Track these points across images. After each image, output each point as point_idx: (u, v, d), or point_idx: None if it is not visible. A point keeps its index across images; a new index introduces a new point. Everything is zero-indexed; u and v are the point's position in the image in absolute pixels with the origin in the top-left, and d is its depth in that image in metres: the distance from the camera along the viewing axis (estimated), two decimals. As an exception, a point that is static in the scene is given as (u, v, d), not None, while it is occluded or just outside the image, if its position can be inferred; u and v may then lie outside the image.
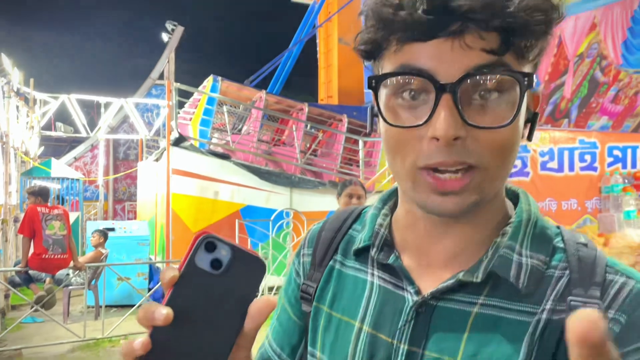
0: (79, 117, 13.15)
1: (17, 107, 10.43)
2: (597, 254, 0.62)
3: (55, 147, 17.50)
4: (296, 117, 11.69)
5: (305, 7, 15.50)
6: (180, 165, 8.83)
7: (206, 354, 0.47)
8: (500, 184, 0.63)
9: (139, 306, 6.93)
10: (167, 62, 14.92)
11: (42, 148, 13.64)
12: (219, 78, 11.38)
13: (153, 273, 8.66)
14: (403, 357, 0.63)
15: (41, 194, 6.56)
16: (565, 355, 0.50)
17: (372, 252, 0.71)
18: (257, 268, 0.49)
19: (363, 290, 0.71)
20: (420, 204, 0.61)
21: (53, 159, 11.62)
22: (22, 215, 7.27)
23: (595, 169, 4.28)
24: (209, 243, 0.48)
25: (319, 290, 0.76)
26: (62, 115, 13.64)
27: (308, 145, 11.87)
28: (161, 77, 16.15)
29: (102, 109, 13.34)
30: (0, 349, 5.71)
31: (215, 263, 0.47)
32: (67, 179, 11.27)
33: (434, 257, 0.67)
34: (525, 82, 0.56)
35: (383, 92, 0.61)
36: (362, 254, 0.73)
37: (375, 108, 0.62)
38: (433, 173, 0.58)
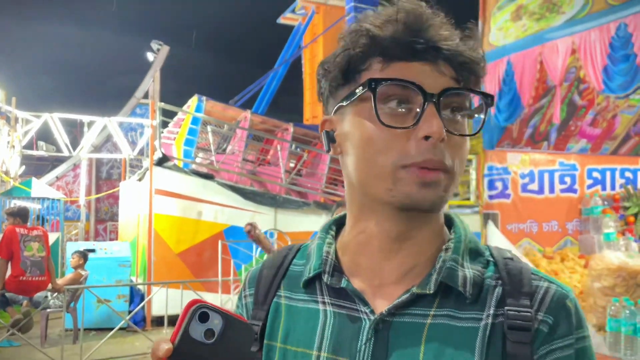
0: (62, 136, 13.02)
1: (-2, 126, 10.31)
2: (522, 267, 0.72)
3: (37, 166, 17.29)
4: (281, 137, 11.70)
5: (291, 27, 15.65)
6: (163, 185, 8.76)
7: None
8: (455, 189, 0.72)
9: (118, 329, 6.80)
10: (152, 82, 14.91)
11: (24, 167, 13.44)
12: (204, 98, 11.38)
13: (134, 295, 8.51)
14: None
15: (20, 215, 6.47)
16: (506, 355, 0.65)
17: (325, 278, 0.74)
18: (247, 334, 0.51)
19: (317, 319, 0.74)
20: (403, 197, 0.67)
21: (34, 179, 11.48)
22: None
23: (575, 191, 4.33)
24: (202, 313, 0.49)
25: (267, 327, 0.78)
26: (45, 134, 13.49)
27: (293, 165, 11.88)
28: (146, 96, 16.11)
29: (85, 128, 13.23)
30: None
31: (209, 332, 0.48)
32: (48, 198, 11.11)
33: (387, 275, 0.72)
34: (490, 101, 0.69)
35: (370, 100, 0.67)
36: (310, 285, 0.77)
37: (333, 132, 0.74)
38: (420, 168, 0.66)
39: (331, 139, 0.75)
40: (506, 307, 0.67)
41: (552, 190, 4.21)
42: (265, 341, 0.77)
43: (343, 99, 0.71)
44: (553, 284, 0.70)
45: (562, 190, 4.27)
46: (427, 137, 0.64)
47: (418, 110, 0.65)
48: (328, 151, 0.76)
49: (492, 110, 3.69)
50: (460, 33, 0.70)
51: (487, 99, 0.69)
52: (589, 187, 4.36)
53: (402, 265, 0.71)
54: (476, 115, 0.71)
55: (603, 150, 4.65)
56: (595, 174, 4.41)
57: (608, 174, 4.45)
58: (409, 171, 0.65)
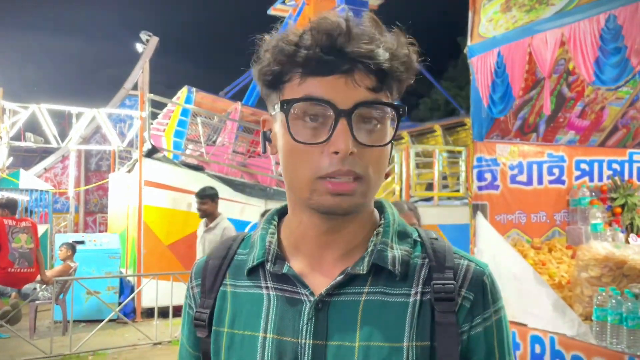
0: (50, 128, 12.90)
1: (-15, 116, 10.19)
2: (446, 246, 0.81)
3: (24, 158, 17.11)
4: (271, 128, 11.67)
5: (281, 19, 15.58)
6: (153, 176, 8.72)
7: None
8: (375, 193, 0.77)
9: (108, 321, 6.79)
10: (141, 73, 14.77)
11: (11, 159, 13.31)
12: (194, 89, 11.33)
13: (123, 287, 8.48)
14: (310, 351, 0.74)
15: (8, 206, 6.41)
16: (434, 324, 0.74)
17: (268, 266, 0.80)
18: None
19: (261, 304, 0.79)
20: (317, 206, 0.74)
21: (22, 170, 11.38)
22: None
23: (563, 182, 4.36)
24: None
25: (215, 314, 0.83)
26: (32, 126, 13.36)
27: (283, 157, 11.84)
28: (135, 87, 15.98)
29: (74, 119, 13.11)
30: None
31: None
32: (36, 190, 11.02)
33: (324, 260, 0.80)
34: (401, 112, 0.74)
35: (288, 117, 0.73)
36: (254, 272, 0.82)
37: (270, 132, 0.81)
38: (330, 179, 0.71)
39: (268, 139, 0.82)
40: (433, 282, 0.76)
41: (540, 181, 4.24)
42: (213, 327, 0.83)
43: (272, 106, 0.79)
44: (472, 262, 0.80)
45: (551, 182, 4.29)
46: (337, 152, 0.70)
47: (331, 124, 0.71)
48: (264, 152, 0.83)
49: (485, 101, 3.70)
50: (393, 39, 0.74)
51: (397, 110, 0.74)
52: (577, 178, 4.39)
53: (337, 251, 0.79)
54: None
55: (591, 142, 4.69)
56: (583, 166, 4.44)
57: (596, 165, 4.48)
58: (323, 183, 0.72)
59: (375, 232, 0.80)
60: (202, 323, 0.84)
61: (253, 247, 0.84)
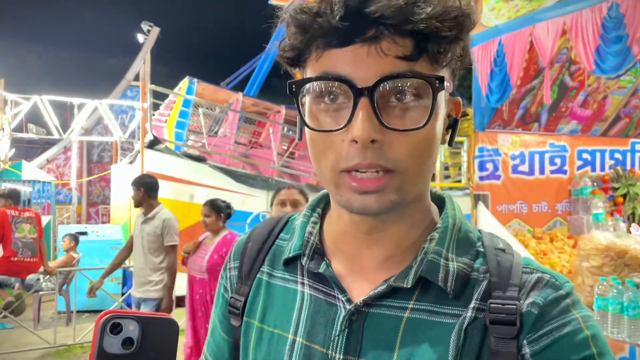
0: (52, 119, 12.90)
1: (-13, 108, 10.20)
2: (513, 259, 0.66)
3: (27, 149, 17.15)
4: (273, 119, 11.66)
5: (283, 8, 15.46)
6: (155, 168, 8.72)
7: None
8: (422, 187, 0.64)
9: (111, 311, 6.81)
10: (142, 63, 14.76)
11: (13, 150, 13.33)
12: (195, 80, 11.29)
13: (127, 278, 8.52)
14: None
15: (11, 197, 6.43)
16: (488, 352, 0.60)
17: (303, 261, 0.71)
18: (169, 330, 0.47)
19: (294, 301, 0.71)
20: (344, 205, 0.62)
21: (24, 162, 11.40)
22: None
23: (565, 172, 4.36)
24: (113, 325, 0.45)
25: (248, 304, 0.76)
26: (34, 117, 13.35)
27: (285, 148, 11.85)
28: (137, 78, 15.96)
29: (76, 110, 13.11)
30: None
31: (127, 342, 0.45)
32: (39, 181, 11.04)
33: (365, 263, 0.68)
34: (437, 85, 0.57)
35: (306, 99, 0.62)
36: (291, 263, 0.73)
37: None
38: (353, 174, 0.59)
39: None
40: (490, 300, 0.62)
41: (542, 171, 4.23)
42: (244, 318, 0.75)
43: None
44: (546, 274, 0.64)
45: (552, 172, 4.29)
46: (355, 140, 0.57)
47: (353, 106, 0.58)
48: (300, 139, 0.70)
49: (484, 90, 3.69)
50: None
51: (433, 82, 0.57)
52: (579, 168, 4.39)
53: (381, 253, 0.67)
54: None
55: (593, 132, 4.67)
56: (585, 155, 4.43)
57: (598, 155, 4.48)
58: (346, 177, 0.60)
59: (429, 236, 0.66)
60: (236, 311, 0.76)
61: (293, 235, 0.75)
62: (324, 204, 0.77)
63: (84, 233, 8.35)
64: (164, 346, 0.46)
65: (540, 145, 4.20)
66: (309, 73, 0.62)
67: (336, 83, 0.58)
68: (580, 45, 3.21)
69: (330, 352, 0.65)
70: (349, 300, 0.66)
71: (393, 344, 0.62)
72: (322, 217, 0.75)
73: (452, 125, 0.67)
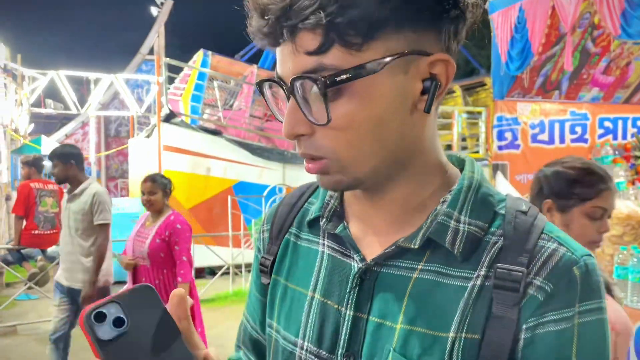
0: (69, 94, 12.99)
1: (5, 84, 10.28)
2: (534, 222, 0.64)
3: (45, 124, 17.33)
4: (288, 91, 11.59)
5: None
6: (172, 141, 8.77)
7: None
8: (369, 167, 0.63)
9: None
10: (156, 37, 14.69)
11: (32, 125, 13.49)
12: (209, 52, 11.25)
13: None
14: (349, 323, 0.67)
15: (35, 164, 6.52)
16: (495, 321, 0.59)
17: (322, 223, 0.74)
18: (149, 295, 0.49)
19: (315, 261, 0.74)
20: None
21: (43, 137, 11.52)
22: (13, 194, 7.22)
23: (586, 141, 4.28)
24: (96, 315, 0.46)
25: (276, 263, 0.80)
26: (52, 92, 13.45)
27: (300, 120, 11.79)
28: (151, 52, 15.93)
29: (92, 85, 13.17)
30: (-5, 326, 5.74)
31: (117, 323, 0.46)
32: (58, 156, 11.17)
33: (377, 225, 0.70)
34: (319, 83, 0.56)
35: (264, 97, 0.67)
36: (314, 225, 0.77)
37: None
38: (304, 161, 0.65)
39: None
40: (497, 265, 0.61)
41: (562, 140, 4.16)
42: (272, 275, 0.80)
43: None
44: (563, 247, 0.61)
45: (573, 140, 4.21)
46: None
47: None
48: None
49: (504, 57, 3.61)
50: None
51: (315, 80, 0.57)
52: (600, 136, 4.30)
53: (387, 216, 0.69)
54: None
55: (615, 99, 4.56)
56: (607, 124, 4.34)
57: (620, 123, 4.38)
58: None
59: (442, 198, 0.66)
60: (265, 269, 0.81)
61: (318, 199, 0.78)
62: None
63: (104, 206, 8.47)
64: (151, 311, 0.48)
65: (560, 114, 4.12)
66: None
67: (272, 82, 0.63)
68: (605, 8, 3.11)
69: (342, 308, 0.68)
70: (362, 260, 0.68)
71: (400, 303, 0.64)
72: None
73: (429, 89, 0.61)
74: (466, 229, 0.63)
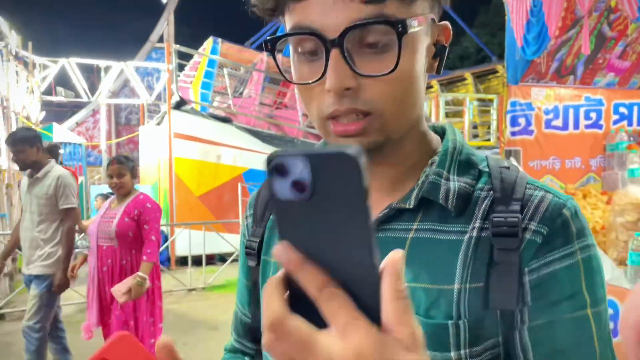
0: (80, 82, 13.04)
1: (17, 71, 10.33)
2: (518, 174, 0.68)
3: (56, 112, 17.41)
4: (298, 79, 11.55)
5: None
6: (182, 129, 8.79)
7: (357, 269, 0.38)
8: (406, 123, 0.65)
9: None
10: (166, 24, 14.68)
11: (44, 113, 13.56)
12: (219, 40, 11.22)
13: (158, 236, 8.72)
14: None
15: (51, 152, 6.52)
16: (498, 267, 0.61)
17: None
18: (348, 167, 0.36)
19: None
20: None
21: (55, 124, 11.59)
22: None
23: (600, 127, 4.23)
24: (276, 166, 0.37)
25: (264, 244, 0.80)
26: (62, 80, 13.51)
27: (310, 108, 11.77)
28: (161, 40, 15.91)
29: (102, 73, 13.21)
30: (9, 310, 5.81)
31: (296, 186, 0.37)
32: (70, 143, 11.25)
33: (372, 191, 0.69)
34: (400, 29, 0.57)
35: (274, 57, 0.64)
36: None
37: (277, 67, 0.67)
38: (335, 120, 0.62)
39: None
40: (493, 215, 0.63)
41: (576, 126, 4.11)
42: (262, 257, 0.80)
43: None
44: (549, 193, 0.65)
45: (587, 126, 4.16)
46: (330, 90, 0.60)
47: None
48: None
49: (519, 42, 3.56)
50: None
51: (396, 26, 0.57)
52: (615, 122, 4.24)
53: (383, 182, 0.70)
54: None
55: (631, 84, 4.49)
56: (622, 109, 4.28)
57: (635, 108, 4.32)
58: (329, 124, 0.63)
59: (430, 160, 0.69)
60: (252, 252, 0.82)
61: None
62: None
63: (115, 193, 8.53)
64: (344, 188, 0.36)
65: (575, 99, 4.06)
66: (287, 24, 0.63)
67: (308, 37, 0.59)
68: (622, -9, 3.06)
69: None
70: None
71: None
72: None
73: (439, 53, 0.67)
74: (457, 185, 0.66)
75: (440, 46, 0.66)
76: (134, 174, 3.51)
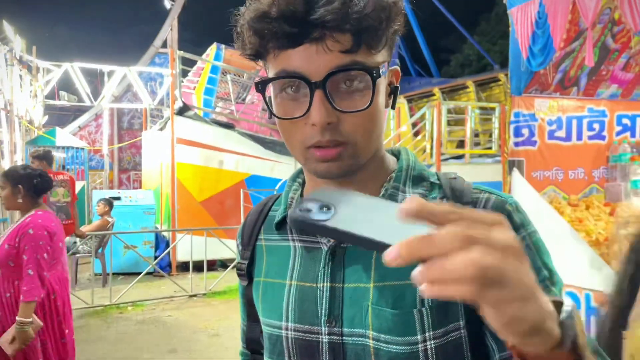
0: (83, 86, 13.07)
1: (20, 75, 10.36)
2: (464, 182, 0.81)
3: (59, 116, 17.44)
4: (301, 86, 11.57)
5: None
6: (185, 134, 8.80)
7: None
8: (372, 150, 0.77)
9: (145, 274, 7.02)
10: (169, 30, 14.73)
11: (47, 117, 13.58)
12: (222, 46, 11.25)
13: (159, 241, 8.72)
14: (327, 293, 0.78)
15: (45, 158, 6.55)
16: None
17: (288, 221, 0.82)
18: (338, 189, 0.52)
19: (288, 255, 0.85)
20: (313, 172, 0.77)
21: (57, 128, 11.60)
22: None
23: (603, 138, 4.24)
24: (303, 210, 0.47)
25: (255, 266, 0.91)
26: (66, 84, 13.54)
27: (313, 115, 11.78)
28: (164, 45, 15.97)
29: (106, 78, 13.24)
30: None
31: (324, 209, 0.47)
32: (72, 147, 11.27)
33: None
34: (375, 74, 0.70)
35: (271, 91, 0.75)
36: (282, 227, 0.88)
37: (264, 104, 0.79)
38: (317, 148, 0.73)
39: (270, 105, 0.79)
40: None
41: (579, 137, 4.12)
42: (254, 278, 0.91)
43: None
44: (493, 194, 0.78)
45: (590, 137, 4.17)
46: (314, 124, 0.70)
47: (310, 96, 0.70)
48: (270, 117, 0.80)
49: (525, 53, 3.57)
50: None
51: (371, 72, 0.69)
52: (618, 134, 4.25)
53: None
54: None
55: (634, 96, 4.50)
56: (625, 121, 4.29)
57: (638, 120, 4.32)
58: (311, 151, 0.73)
59: (388, 178, 0.82)
60: (242, 272, 0.92)
61: (280, 204, 0.90)
62: (303, 174, 0.91)
63: (118, 198, 8.54)
64: (348, 194, 0.50)
65: (578, 110, 4.08)
66: (271, 68, 0.73)
67: (295, 80, 0.70)
68: (626, 4, 3.08)
69: (318, 284, 0.79)
70: (329, 241, 0.80)
71: (369, 269, 0.76)
72: (303, 185, 0.90)
73: (393, 92, 0.80)
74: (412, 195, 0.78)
75: (393, 87, 0.80)
76: (19, 189, 2.97)
